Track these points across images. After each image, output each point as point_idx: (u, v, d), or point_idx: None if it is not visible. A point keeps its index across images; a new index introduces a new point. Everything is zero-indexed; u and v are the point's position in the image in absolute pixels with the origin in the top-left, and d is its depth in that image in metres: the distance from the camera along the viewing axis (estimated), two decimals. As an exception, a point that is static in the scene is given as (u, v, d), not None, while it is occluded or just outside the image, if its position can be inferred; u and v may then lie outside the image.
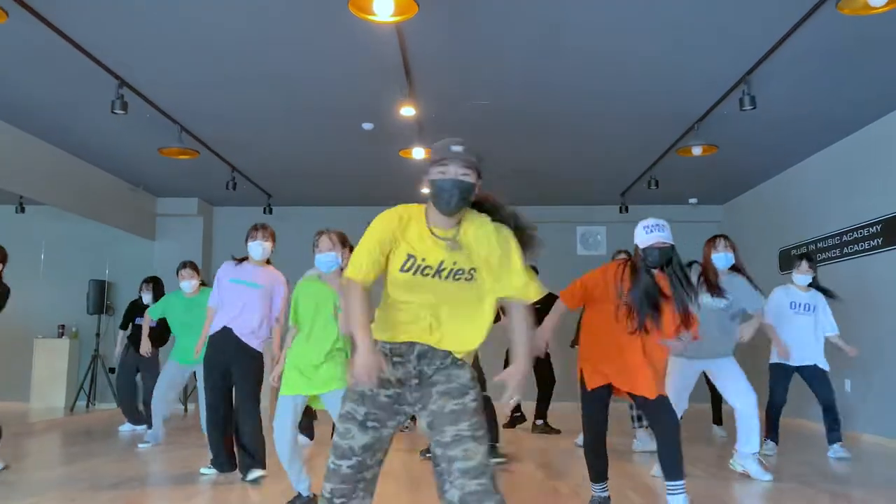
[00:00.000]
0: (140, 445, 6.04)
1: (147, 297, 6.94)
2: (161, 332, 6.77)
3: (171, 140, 6.89)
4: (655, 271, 3.43)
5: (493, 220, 2.28)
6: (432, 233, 2.21)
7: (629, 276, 3.44)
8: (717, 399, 6.86)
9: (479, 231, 2.23)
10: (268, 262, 4.78)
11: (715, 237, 4.78)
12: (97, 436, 6.93)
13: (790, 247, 8.32)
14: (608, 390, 3.50)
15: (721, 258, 4.65)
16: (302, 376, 3.58)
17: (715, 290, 4.54)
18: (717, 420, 7.01)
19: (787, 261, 8.33)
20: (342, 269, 3.52)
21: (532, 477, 4.77)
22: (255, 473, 4.32)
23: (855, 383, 6.99)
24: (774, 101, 6.04)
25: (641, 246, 3.44)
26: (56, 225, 10.08)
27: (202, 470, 4.70)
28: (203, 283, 6.18)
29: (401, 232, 2.21)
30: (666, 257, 3.40)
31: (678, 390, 4.52)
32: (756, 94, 5.47)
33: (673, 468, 3.38)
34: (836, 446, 5.61)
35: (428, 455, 6.46)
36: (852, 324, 6.98)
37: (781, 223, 8.57)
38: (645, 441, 5.89)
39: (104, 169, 8.67)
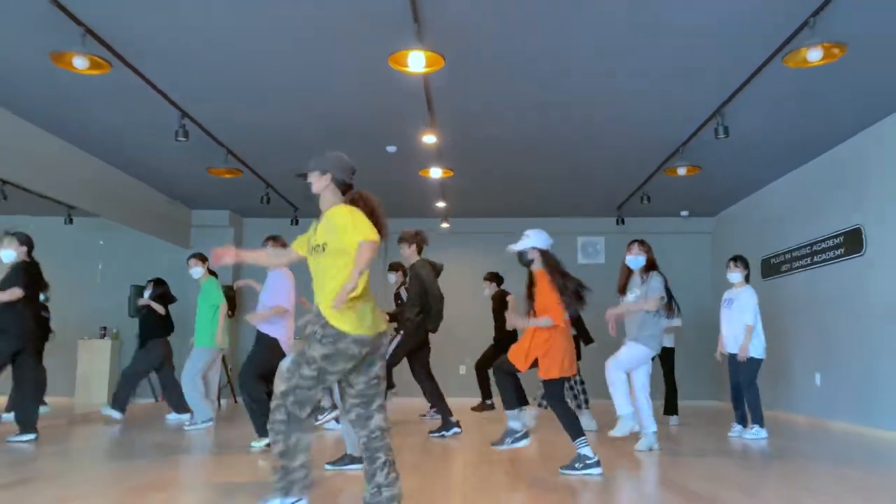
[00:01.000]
0: (187, 427, 6.91)
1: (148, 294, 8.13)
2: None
3: (218, 161, 7.83)
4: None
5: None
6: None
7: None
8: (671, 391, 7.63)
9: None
10: None
11: (630, 242, 5.72)
12: (147, 422, 7.82)
13: (770, 255, 9.20)
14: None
15: (632, 260, 5.60)
16: None
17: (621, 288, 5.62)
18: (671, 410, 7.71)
19: (769, 269, 9.22)
20: None
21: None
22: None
23: (824, 376, 7.86)
24: (747, 130, 6.94)
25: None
26: (100, 235, 11.02)
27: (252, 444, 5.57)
28: (212, 273, 7.42)
29: None
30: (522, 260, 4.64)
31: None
32: (730, 125, 6.38)
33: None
34: (738, 428, 6.51)
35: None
36: (822, 323, 7.88)
37: (763, 234, 9.46)
38: (589, 422, 6.80)
39: (148, 183, 9.60)
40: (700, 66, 5.56)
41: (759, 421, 6.41)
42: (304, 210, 10.89)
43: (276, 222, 11.35)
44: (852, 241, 7.35)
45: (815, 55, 4.71)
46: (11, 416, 6.26)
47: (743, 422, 6.56)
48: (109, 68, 5.09)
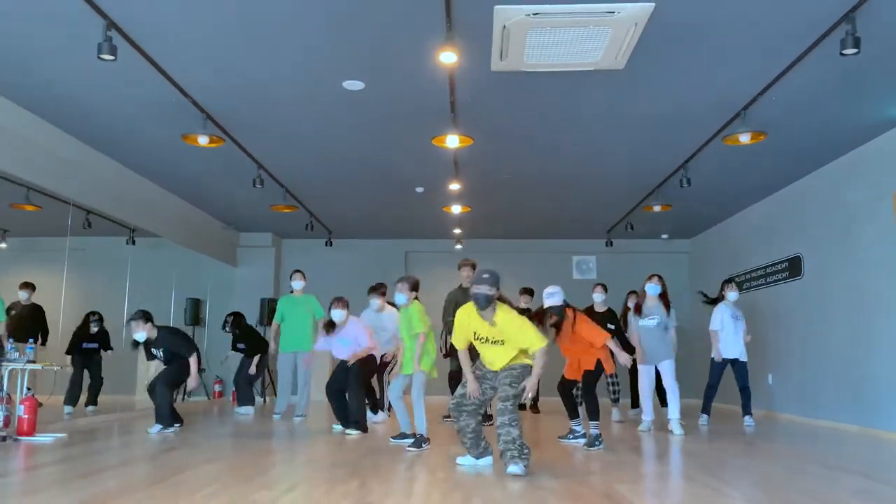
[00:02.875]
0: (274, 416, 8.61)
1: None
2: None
3: (277, 199, 9.56)
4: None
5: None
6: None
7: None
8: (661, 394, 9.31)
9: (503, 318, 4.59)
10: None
11: (651, 275, 7.41)
12: (218, 414, 9.50)
13: (735, 275, 10.92)
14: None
15: (652, 288, 7.29)
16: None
17: (639, 312, 7.26)
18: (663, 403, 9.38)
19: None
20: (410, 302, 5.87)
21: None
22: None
23: (775, 377, 9.58)
24: (706, 180, 8.68)
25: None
26: (159, 253, 12.67)
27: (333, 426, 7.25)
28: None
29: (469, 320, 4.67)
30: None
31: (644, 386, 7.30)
32: (692, 177, 8.11)
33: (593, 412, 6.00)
34: (747, 418, 8.17)
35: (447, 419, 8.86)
36: (774, 333, 9.59)
37: (731, 256, 11.19)
38: (616, 413, 8.57)
39: (210, 213, 11.29)
40: (663, 137, 7.29)
41: (750, 411, 8.15)
42: (336, 233, 12.58)
43: (312, 243, 13.05)
44: (793, 267, 9.09)
45: (745, 138, 6.43)
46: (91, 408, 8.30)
47: (749, 411, 8.14)
48: (223, 143, 6.81)
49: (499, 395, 4.56)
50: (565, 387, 6.24)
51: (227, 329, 9.79)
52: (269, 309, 12.22)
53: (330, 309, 7.04)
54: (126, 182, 8.77)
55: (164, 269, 12.98)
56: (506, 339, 4.48)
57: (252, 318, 12.55)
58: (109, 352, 9.63)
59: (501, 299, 4.57)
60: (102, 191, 8.31)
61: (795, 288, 9.08)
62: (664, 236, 12.74)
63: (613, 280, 10.50)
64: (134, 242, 12.66)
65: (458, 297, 7.67)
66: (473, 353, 4.72)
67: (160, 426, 6.77)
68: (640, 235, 12.48)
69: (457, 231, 11.95)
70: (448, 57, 4.88)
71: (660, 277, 7.41)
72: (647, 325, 7.28)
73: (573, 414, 6.25)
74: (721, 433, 7.20)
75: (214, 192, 9.75)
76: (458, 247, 12.75)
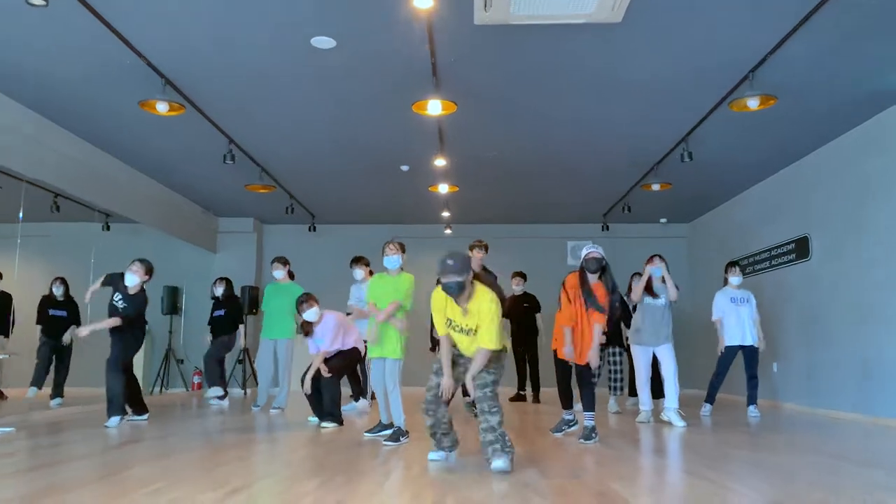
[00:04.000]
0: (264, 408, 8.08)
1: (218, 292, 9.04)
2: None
3: (254, 179, 9.00)
4: (593, 278, 5.32)
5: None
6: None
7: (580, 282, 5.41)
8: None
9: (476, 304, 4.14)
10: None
11: (652, 256, 6.88)
12: (193, 406, 8.98)
13: (737, 259, 10.42)
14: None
15: (656, 270, 6.80)
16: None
17: (652, 292, 6.75)
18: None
19: (733, 270, 10.43)
20: (402, 269, 5.32)
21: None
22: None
23: (780, 364, 9.09)
24: (708, 155, 8.15)
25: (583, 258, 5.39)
26: (135, 239, 12.14)
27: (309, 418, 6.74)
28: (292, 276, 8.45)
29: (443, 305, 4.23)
30: (599, 265, 5.28)
31: (641, 371, 6.83)
32: (694, 150, 7.59)
33: (589, 403, 5.41)
34: (752, 408, 7.67)
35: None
36: (779, 319, 9.10)
37: (731, 240, 10.68)
38: (613, 405, 8.07)
39: (186, 196, 10.74)
40: (665, 107, 6.76)
41: (756, 401, 7.67)
42: (320, 218, 12.04)
43: (294, 228, 12.51)
44: (800, 248, 8.58)
45: (753, 103, 5.90)
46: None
47: (754, 401, 7.68)
48: (184, 110, 6.25)
49: (476, 382, 4.12)
50: (565, 373, 5.69)
51: (214, 291, 9.13)
52: (250, 297, 11.70)
53: (299, 311, 6.33)
54: (90, 160, 8.20)
55: (141, 255, 12.40)
56: (479, 327, 4.09)
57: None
58: (80, 332, 8.98)
59: (478, 278, 4.16)
60: (63, 170, 7.73)
61: (802, 270, 8.58)
62: (662, 220, 12.23)
63: (610, 266, 9.90)
64: (108, 228, 12.17)
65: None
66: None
67: (117, 417, 6.23)
68: (638, 220, 11.97)
69: (445, 214, 11.41)
70: (423, 1, 4.33)
71: (661, 257, 6.92)
72: (655, 305, 6.85)
73: (568, 404, 5.75)
74: (724, 424, 6.73)
75: (184, 170, 9.18)
76: (448, 232, 12.22)
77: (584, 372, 5.41)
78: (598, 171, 9.05)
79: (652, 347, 6.88)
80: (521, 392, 9.98)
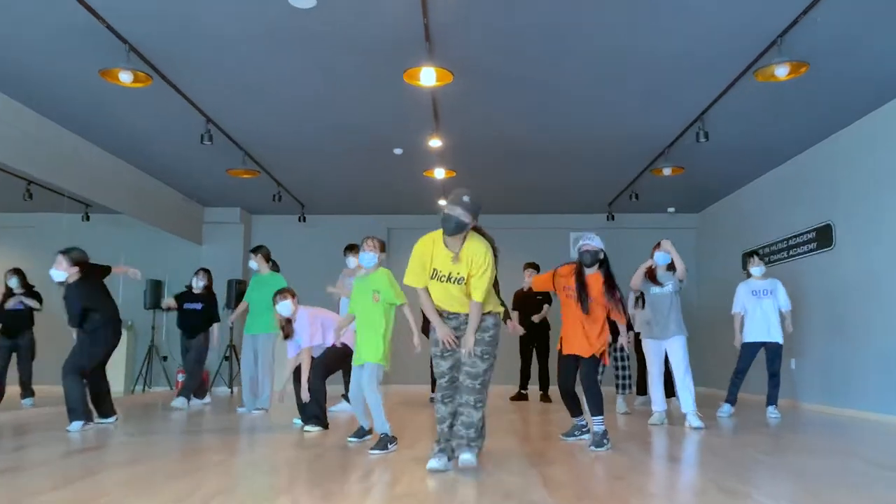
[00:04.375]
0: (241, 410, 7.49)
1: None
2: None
3: (235, 163, 8.40)
4: (590, 270, 4.84)
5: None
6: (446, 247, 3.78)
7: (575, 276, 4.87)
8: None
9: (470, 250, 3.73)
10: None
11: (660, 242, 6.32)
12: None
13: (751, 249, 9.83)
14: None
15: (661, 257, 6.21)
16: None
17: (655, 280, 6.22)
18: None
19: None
20: (378, 266, 4.74)
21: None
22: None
23: (799, 361, 8.51)
24: (725, 136, 7.56)
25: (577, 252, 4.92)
26: (116, 231, 11.55)
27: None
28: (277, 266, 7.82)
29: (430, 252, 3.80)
30: (594, 259, 4.81)
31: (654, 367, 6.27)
32: (710, 130, 7.00)
33: (596, 406, 4.78)
34: (771, 408, 7.10)
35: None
36: (797, 313, 8.49)
37: (744, 229, 10.10)
38: (621, 405, 7.48)
39: (164, 181, 10.15)
40: (680, 80, 6.17)
41: (776, 401, 7.10)
42: (310, 208, 11.44)
43: (283, 219, 11.93)
44: (822, 237, 8.00)
45: (782, 71, 5.31)
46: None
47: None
48: (151, 81, 5.65)
49: (466, 368, 3.75)
50: (568, 378, 4.99)
51: (194, 283, 8.47)
52: (237, 291, 11.09)
53: (275, 306, 5.65)
54: (55, 140, 7.60)
55: (123, 247, 11.85)
56: (469, 274, 3.72)
57: (218, 302, 11.44)
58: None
59: (478, 230, 3.84)
60: (25, 150, 7.13)
61: (824, 260, 8.00)
62: (670, 210, 11.64)
63: (614, 259, 9.15)
64: (88, 218, 11.58)
65: None
66: None
67: (79, 422, 5.64)
68: (645, 209, 11.38)
69: (442, 203, 10.82)
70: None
71: (667, 240, 6.36)
72: (661, 293, 6.27)
73: (576, 411, 5.16)
74: (743, 426, 6.21)
75: (161, 153, 8.57)
76: (445, 222, 11.61)
77: (590, 369, 4.84)
78: (605, 154, 8.46)
79: (662, 341, 6.31)
80: (524, 391, 9.42)
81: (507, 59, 5.71)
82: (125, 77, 5.43)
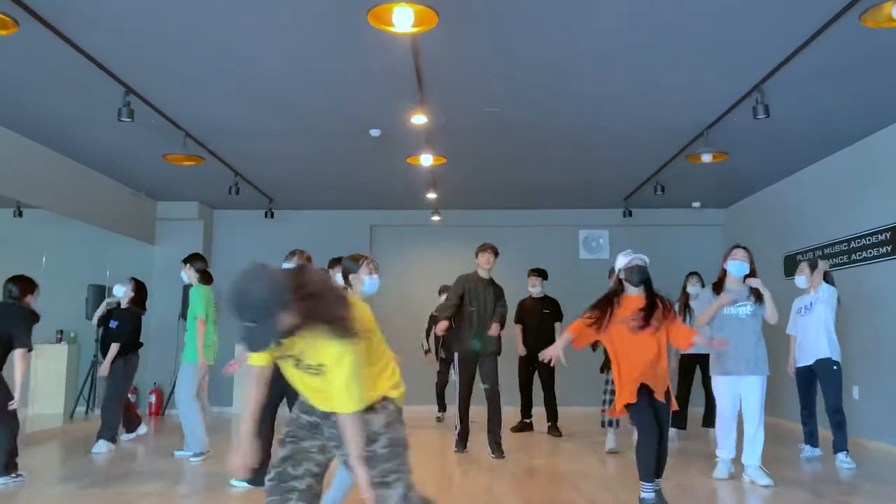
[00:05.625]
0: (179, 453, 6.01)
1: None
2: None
3: (175, 147, 6.81)
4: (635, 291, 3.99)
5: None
6: None
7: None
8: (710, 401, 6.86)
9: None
10: None
11: (734, 248, 5.03)
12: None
13: (796, 252, 8.31)
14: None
15: (736, 267, 4.77)
16: None
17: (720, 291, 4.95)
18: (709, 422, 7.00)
19: (794, 266, 8.30)
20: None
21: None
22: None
23: (863, 390, 7.00)
24: (785, 109, 6.01)
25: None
26: (54, 229, 9.95)
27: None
28: (210, 278, 6.28)
29: None
30: (643, 276, 3.98)
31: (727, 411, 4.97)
32: (769, 103, 5.45)
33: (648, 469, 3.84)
34: (841, 455, 5.61)
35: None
36: (857, 330, 6.99)
37: (786, 228, 8.57)
38: (612, 441, 6.25)
39: (104, 173, 8.57)
40: (738, 35, 4.62)
41: (845, 445, 5.67)
42: (278, 202, 9.88)
43: (249, 214, 10.37)
44: (899, 238, 6.48)
45: (897, 11, 3.78)
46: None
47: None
48: (15, 28, 4.07)
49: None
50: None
51: (114, 296, 6.92)
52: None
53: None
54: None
55: (62, 247, 10.27)
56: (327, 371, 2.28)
57: (173, 311, 9.91)
58: None
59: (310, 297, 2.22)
60: None
61: (899, 268, 6.48)
62: (695, 205, 10.07)
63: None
64: (20, 214, 9.99)
65: (469, 286, 6.32)
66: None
67: None
68: (665, 204, 9.85)
69: (431, 196, 9.24)
70: None
71: (746, 250, 4.98)
72: (736, 315, 4.86)
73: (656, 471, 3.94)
74: (816, 477, 4.77)
75: (81, 135, 6.96)
76: (436, 218, 10.07)
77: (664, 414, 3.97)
78: (629, 135, 6.87)
79: (740, 377, 4.87)
80: (527, 420, 7.90)
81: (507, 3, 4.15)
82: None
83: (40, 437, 7.40)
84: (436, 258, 10.31)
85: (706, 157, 6.59)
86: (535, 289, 7.86)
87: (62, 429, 8.33)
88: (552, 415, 7.65)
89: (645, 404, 3.85)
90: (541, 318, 7.71)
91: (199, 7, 4.27)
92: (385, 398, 2.42)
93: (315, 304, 2.11)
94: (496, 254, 6.38)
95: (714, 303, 4.86)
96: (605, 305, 3.95)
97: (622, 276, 4.04)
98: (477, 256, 6.38)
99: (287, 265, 4.71)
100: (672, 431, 7.07)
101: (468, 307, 6.22)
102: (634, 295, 3.97)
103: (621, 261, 4.08)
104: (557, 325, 7.70)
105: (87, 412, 9.64)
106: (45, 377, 9.75)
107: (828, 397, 5.75)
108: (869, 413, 6.88)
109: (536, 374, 7.74)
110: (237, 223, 10.51)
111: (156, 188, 9.35)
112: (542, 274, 7.95)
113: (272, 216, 9.88)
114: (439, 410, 8.94)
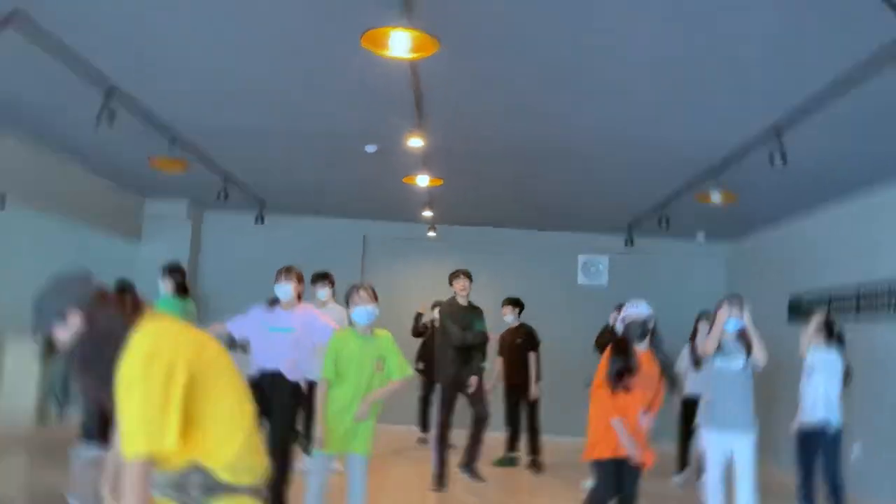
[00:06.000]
0: None
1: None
2: None
3: (161, 148, 6.49)
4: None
5: None
6: None
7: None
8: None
9: None
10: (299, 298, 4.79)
11: (731, 299, 4.78)
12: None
13: (802, 293, 7.99)
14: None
15: (732, 323, 4.63)
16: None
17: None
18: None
19: (799, 310, 7.98)
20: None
21: None
22: None
23: (866, 446, 6.69)
24: (803, 152, 5.69)
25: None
26: (38, 223, 9.65)
27: None
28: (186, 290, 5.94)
29: None
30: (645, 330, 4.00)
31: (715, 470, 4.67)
32: (785, 142, 5.15)
33: None
34: None
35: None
36: (868, 383, 6.66)
37: (794, 268, 8.27)
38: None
39: (88, 169, 8.27)
40: (755, 73, 4.32)
41: None
42: (271, 206, 9.56)
43: (239, 218, 10.05)
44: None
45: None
46: None
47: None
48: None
49: None
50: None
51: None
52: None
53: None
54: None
55: (44, 241, 9.95)
56: None
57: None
58: None
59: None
60: None
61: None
62: (700, 237, 9.75)
63: (627, 290, 7.21)
64: (2, 206, 9.67)
65: (445, 312, 6.35)
66: None
67: None
68: (669, 234, 9.53)
69: (427, 214, 8.94)
70: None
71: (740, 301, 4.73)
72: (730, 369, 4.63)
73: None
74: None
75: (64, 132, 6.68)
76: (432, 234, 9.79)
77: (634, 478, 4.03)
78: (636, 160, 6.55)
79: (728, 435, 4.60)
80: (512, 454, 7.60)
81: (511, 25, 3.85)
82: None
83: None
84: (429, 272, 10.00)
85: (715, 198, 6.27)
86: (508, 317, 7.60)
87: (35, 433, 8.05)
88: (534, 446, 7.37)
89: (611, 468, 3.93)
90: (511, 349, 7.45)
91: (198, 18, 3.97)
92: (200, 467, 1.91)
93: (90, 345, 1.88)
94: (471, 278, 6.30)
95: (713, 330, 4.67)
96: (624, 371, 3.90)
97: (622, 326, 4.07)
98: (452, 284, 6.28)
99: (279, 286, 4.69)
100: (679, 478, 6.88)
101: (452, 335, 6.06)
102: (640, 350, 3.97)
103: (628, 311, 4.09)
104: (532, 354, 7.41)
105: (60, 413, 9.34)
106: (17, 375, 9.45)
107: (834, 469, 5.44)
108: (870, 471, 6.58)
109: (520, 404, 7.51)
110: (227, 225, 10.22)
111: (144, 185, 9.05)
112: (516, 303, 7.66)
113: (262, 221, 9.57)
114: (421, 431, 8.59)
